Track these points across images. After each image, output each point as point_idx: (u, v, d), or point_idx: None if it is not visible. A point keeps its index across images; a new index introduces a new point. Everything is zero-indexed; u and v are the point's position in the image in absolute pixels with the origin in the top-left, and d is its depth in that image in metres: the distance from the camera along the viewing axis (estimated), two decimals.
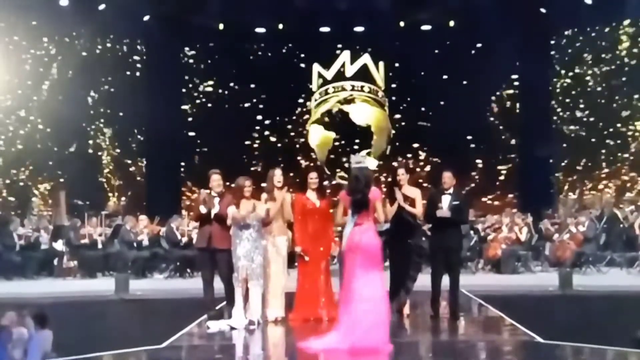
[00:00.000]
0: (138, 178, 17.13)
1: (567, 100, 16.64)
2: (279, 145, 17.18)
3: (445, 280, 7.34)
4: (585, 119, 16.40)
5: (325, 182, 16.35)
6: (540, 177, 16.43)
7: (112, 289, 9.73)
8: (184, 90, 17.23)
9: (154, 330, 6.82)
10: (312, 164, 16.42)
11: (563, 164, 16.77)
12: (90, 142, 16.06)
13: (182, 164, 17.42)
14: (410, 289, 7.32)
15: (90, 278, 12.26)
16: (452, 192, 7.30)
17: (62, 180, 15.28)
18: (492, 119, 17.16)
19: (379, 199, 6.05)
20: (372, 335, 5.42)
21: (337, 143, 16.46)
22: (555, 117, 16.77)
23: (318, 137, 17.25)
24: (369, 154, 16.01)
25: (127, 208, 16.23)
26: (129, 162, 16.89)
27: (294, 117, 17.54)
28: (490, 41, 16.69)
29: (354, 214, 5.77)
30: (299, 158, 17.00)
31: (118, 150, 16.56)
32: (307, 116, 17.08)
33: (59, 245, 12.71)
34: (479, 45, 16.69)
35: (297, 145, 17.28)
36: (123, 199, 16.81)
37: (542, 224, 13.85)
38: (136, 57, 16.74)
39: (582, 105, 16.40)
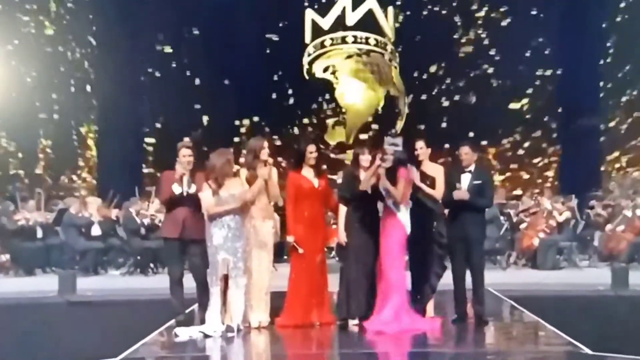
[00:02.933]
0: (88, 150, 17.05)
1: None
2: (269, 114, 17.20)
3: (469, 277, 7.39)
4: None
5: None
6: (588, 151, 16.44)
7: (55, 289, 9.70)
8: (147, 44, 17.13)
9: (108, 340, 6.80)
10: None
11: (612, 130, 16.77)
12: (30, 106, 15.95)
13: (144, 132, 17.37)
14: (435, 286, 7.37)
15: (27, 275, 12.25)
16: (473, 170, 7.34)
17: None
18: (530, 81, 17.15)
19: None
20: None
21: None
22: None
23: (356, 95, 17.31)
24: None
25: (72, 187, 16.17)
26: (79, 130, 16.82)
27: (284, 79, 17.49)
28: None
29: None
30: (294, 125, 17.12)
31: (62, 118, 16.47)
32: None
33: None
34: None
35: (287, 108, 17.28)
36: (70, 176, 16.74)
37: (591, 208, 13.87)
38: (89, 16, 16.65)
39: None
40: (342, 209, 7.38)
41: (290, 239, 7.25)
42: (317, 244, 7.34)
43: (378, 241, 7.13)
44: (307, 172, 7.35)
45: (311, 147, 7.37)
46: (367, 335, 6.90)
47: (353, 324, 7.19)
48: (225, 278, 6.92)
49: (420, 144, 7.42)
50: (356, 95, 17.40)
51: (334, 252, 12.96)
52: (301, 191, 7.27)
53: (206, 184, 6.97)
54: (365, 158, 7.30)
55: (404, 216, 7.04)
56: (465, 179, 7.28)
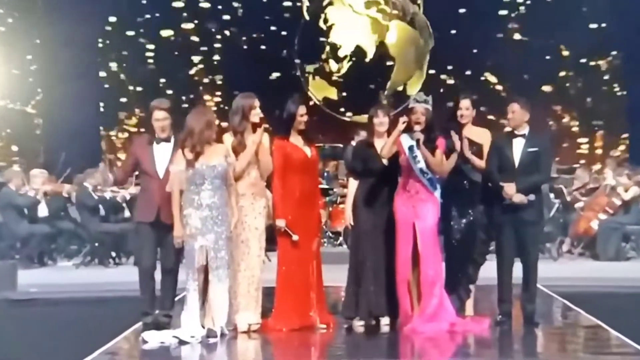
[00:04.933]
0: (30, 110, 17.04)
1: None
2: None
3: (517, 269, 7.44)
4: None
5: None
6: None
7: None
8: None
9: (58, 347, 6.83)
10: None
11: None
12: None
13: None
14: (475, 279, 7.49)
15: None
16: (527, 135, 7.37)
17: None
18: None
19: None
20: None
21: None
22: None
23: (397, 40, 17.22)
24: None
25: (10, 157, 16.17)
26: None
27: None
28: None
29: None
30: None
31: None
32: None
33: None
34: None
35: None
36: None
37: None
38: None
39: None
40: (352, 184, 7.46)
41: (280, 223, 7.26)
42: (311, 227, 7.40)
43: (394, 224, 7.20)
44: (296, 140, 7.37)
45: (302, 109, 7.37)
46: (388, 339, 7.04)
47: (359, 324, 7.31)
48: (205, 270, 6.90)
49: (465, 103, 7.48)
50: (397, 39, 17.40)
51: (341, 239, 13.08)
52: (291, 163, 7.29)
53: (180, 154, 6.91)
54: (379, 121, 7.34)
55: (439, 194, 7.16)
56: (518, 146, 7.34)
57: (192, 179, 6.88)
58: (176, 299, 7.52)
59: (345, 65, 17.48)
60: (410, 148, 7.09)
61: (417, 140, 7.03)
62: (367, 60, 17.45)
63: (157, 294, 7.46)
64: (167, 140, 7.27)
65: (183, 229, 6.88)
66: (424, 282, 7.09)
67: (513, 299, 7.50)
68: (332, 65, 17.54)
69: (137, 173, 7.76)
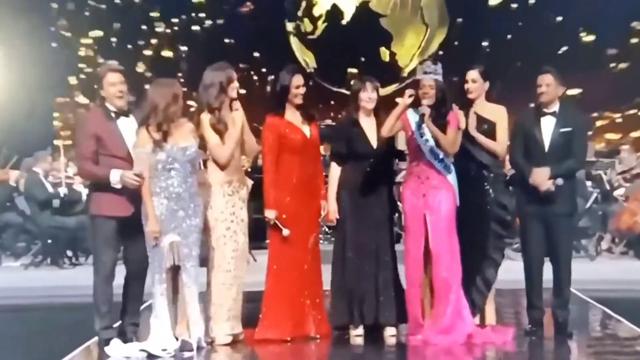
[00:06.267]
0: None
1: None
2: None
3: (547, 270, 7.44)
4: None
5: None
6: None
7: None
8: None
9: None
10: None
11: None
12: None
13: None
14: (493, 280, 7.47)
15: None
16: (559, 112, 7.35)
17: None
18: None
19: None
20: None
21: None
22: None
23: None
24: None
25: None
26: None
27: None
28: None
29: None
30: None
31: None
32: None
33: None
34: None
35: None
36: None
37: None
38: None
39: None
40: (334, 170, 7.46)
41: (270, 214, 7.27)
42: (310, 220, 7.43)
43: (392, 217, 7.31)
44: (293, 117, 7.39)
45: (297, 80, 7.38)
46: (395, 351, 7.10)
47: (356, 334, 7.32)
48: (174, 271, 6.91)
49: (472, 75, 7.47)
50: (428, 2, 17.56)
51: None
52: (286, 144, 7.31)
53: (145, 134, 6.88)
54: (367, 97, 7.37)
55: (454, 179, 7.17)
56: (548, 125, 7.32)
57: (161, 163, 6.88)
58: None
59: (321, 26, 17.50)
60: (419, 125, 7.11)
61: (422, 116, 7.05)
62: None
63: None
64: (126, 114, 7.19)
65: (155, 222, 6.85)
66: (438, 286, 7.11)
67: (544, 305, 7.51)
68: (307, 24, 17.67)
69: None
